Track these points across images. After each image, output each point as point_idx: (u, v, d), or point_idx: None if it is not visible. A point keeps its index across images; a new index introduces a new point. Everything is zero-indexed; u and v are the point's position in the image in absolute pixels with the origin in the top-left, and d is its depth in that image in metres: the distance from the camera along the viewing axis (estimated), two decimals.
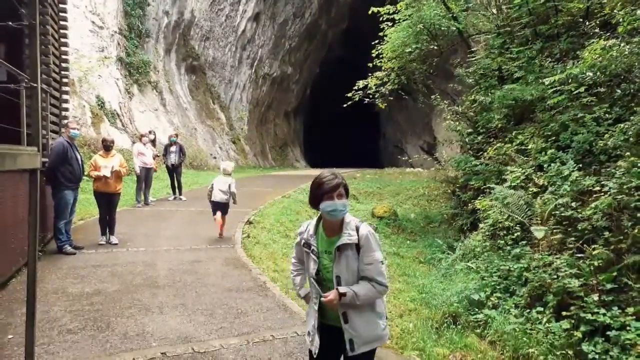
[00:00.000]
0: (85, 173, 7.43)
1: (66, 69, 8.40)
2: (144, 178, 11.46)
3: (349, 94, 12.94)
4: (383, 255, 2.54)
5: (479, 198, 8.13)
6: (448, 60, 19.07)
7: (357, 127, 57.20)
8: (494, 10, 9.81)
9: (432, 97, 11.26)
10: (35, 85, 6.41)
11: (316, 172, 24.97)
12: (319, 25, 40.41)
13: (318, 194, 2.53)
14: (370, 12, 11.99)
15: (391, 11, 11.72)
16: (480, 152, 9.50)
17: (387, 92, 12.26)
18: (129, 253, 7.27)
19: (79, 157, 6.97)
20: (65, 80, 8.52)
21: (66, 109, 8.70)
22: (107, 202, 7.55)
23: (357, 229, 2.52)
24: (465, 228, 9.38)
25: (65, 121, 7.52)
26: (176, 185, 12.79)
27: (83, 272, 6.18)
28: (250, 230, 8.76)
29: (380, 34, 12.78)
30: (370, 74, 12.96)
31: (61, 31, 8.38)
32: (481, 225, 8.17)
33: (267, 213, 10.38)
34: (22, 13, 7.13)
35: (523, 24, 9.07)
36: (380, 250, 2.52)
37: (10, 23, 6.50)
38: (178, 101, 27.35)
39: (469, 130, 9.62)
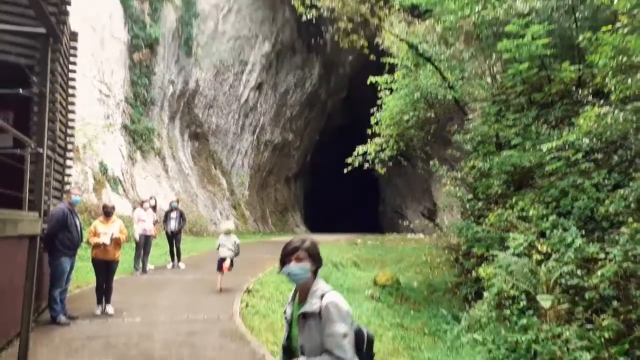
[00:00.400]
0: (85, 240, 7.34)
1: (71, 136, 8.57)
2: (143, 245, 11.34)
3: (349, 160, 13.13)
4: (347, 328, 2.36)
5: (483, 266, 8.00)
6: (445, 127, 19.59)
7: (357, 192, 57.52)
8: (489, 80, 10.18)
9: (431, 163, 11.41)
10: (41, 151, 6.51)
11: (316, 237, 24.82)
12: (319, 94, 41.76)
13: (281, 258, 2.59)
14: (368, 82, 12.44)
15: (389, 81, 12.17)
16: (482, 218, 9.47)
17: (386, 158, 12.45)
18: (125, 323, 7.03)
19: (78, 223, 6.93)
20: (70, 147, 8.66)
21: (69, 175, 8.78)
22: (104, 269, 7.40)
23: (322, 297, 2.43)
24: (469, 297, 9.15)
25: (67, 187, 7.54)
26: (175, 252, 12.60)
27: (76, 345, 5.95)
28: (249, 299, 8.54)
29: (378, 102, 13.19)
30: (369, 140, 13.24)
31: (69, 99, 8.63)
32: (486, 294, 7.97)
33: (266, 281, 10.17)
34: (32, 81, 7.38)
35: (518, 92, 9.38)
36: (344, 322, 2.36)
37: (21, 91, 6.71)
38: (180, 167, 27.69)
39: (469, 196, 9.66)
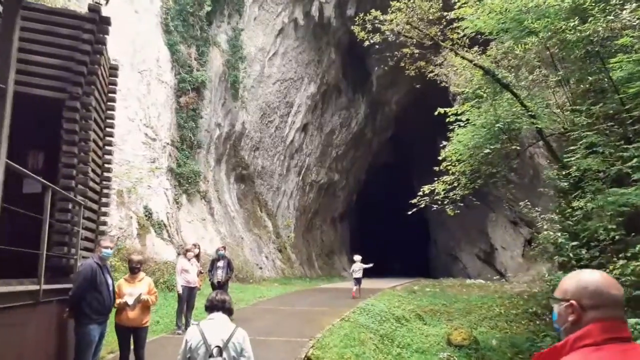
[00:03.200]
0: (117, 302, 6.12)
1: (108, 180, 7.59)
2: (187, 298, 10.14)
3: (414, 200, 11.66)
4: None
5: None
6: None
7: (406, 234, 55.26)
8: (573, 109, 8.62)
9: (521, 204, 9.81)
10: (68, 196, 5.38)
11: (367, 283, 23.14)
12: (365, 133, 40.81)
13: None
14: (437, 113, 11.13)
15: (459, 112, 10.79)
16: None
17: (458, 198, 10.92)
18: None
19: (110, 282, 5.78)
20: (106, 191, 7.67)
21: (104, 224, 7.74)
22: (130, 339, 6.12)
23: None
24: None
25: (100, 238, 6.44)
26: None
27: None
28: None
29: (438, 138, 11.80)
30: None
31: (106, 138, 7.70)
32: None
33: (326, 344, 8.65)
34: (63, 117, 6.45)
35: (636, 117, 7.75)
36: None
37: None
38: (226, 210, 26.91)
39: (575, 243, 7.96)
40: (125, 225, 17.41)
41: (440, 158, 12.01)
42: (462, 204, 11.30)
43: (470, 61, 10.25)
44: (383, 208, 53.36)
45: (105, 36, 6.58)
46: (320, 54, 32.92)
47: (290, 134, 32.74)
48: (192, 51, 23.85)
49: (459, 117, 10.86)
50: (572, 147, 7.88)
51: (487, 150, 9.74)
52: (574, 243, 7.92)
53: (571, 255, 7.88)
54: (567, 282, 1.71)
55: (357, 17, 11.56)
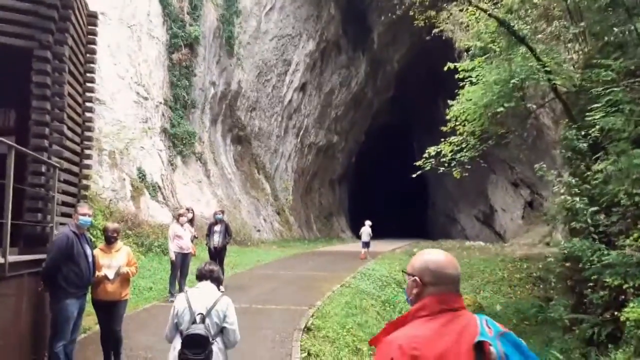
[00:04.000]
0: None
1: (89, 139, 6.94)
2: (180, 265, 9.68)
3: (418, 163, 11.05)
4: None
5: (631, 305, 5.78)
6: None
7: (405, 195, 55.01)
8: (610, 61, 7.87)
9: (536, 166, 9.20)
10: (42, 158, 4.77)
11: (360, 244, 22.79)
12: (365, 93, 39.77)
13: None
14: (446, 68, 10.33)
15: (469, 67, 10.01)
16: (606, 237, 7.23)
17: (466, 160, 10.30)
18: None
19: (89, 252, 5.23)
20: (88, 152, 7.03)
21: (86, 187, 7.14)
22: (109, 314, 5.55)
23: None
24: (599, 339, 6.91)
25: (78, 205, 5.84)
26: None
27: None
28: (310, 343, 6.60)
29: (446, 97, 11.07)
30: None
31: (87, 94, 7.00)
32: (627, 340, 5.77)
33: (327, 313, 8.23)
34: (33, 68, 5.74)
35: None
36: None
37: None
38: (222, 172, 26.33)
39: (594, 208, 7.41)
40: (118, 187, 16.83)
41: (447, 118, 11.33)
42: (469, 167, 10.71)
43: (485, 11, 9.39)
44: (382, 169, 52.91)
45: None
46: (320, 9, 31.51)
47: (288, 94, 31.76)
48: (184, 4, 22.61)
49: (468, 74, 10.10)
50: (595, 105, 7.21)
51: (500, 109, 9.04)
52: (594, 209, 7.37)
53: (589, 221, 7.35)
54: (416, 260, 1.98)
55: None
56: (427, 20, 11.37)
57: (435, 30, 20.77)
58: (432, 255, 1.95)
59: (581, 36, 8.93)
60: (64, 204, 6.00)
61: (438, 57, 37.79)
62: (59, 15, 5.55)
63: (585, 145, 7.98)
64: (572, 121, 9.19)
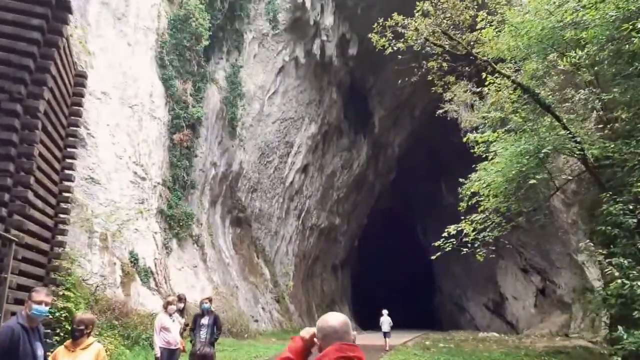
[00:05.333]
0: None
1: (65, 212, 5.93)
2: None
3: (436, 243, 9.96)
4: None
5: None
6: None
7: (410, 282, 52.93)
8: None
9: (581, 245, 8.16)
10: None
11: (371, 337, 21.01)
12: (367, 176, 39.50)
13: None
14: (465, 139, 9.64)
15: (492, 138, 9.25)
16: None
17: (491, 239, 9.25)
18: None
19: (39, 352, 4.01)
20: (63, 227, 6.01)
21: (55, 269, 6.01)
22: None
23: None
24: None
25: (33, 290, 4.67)
26: None
27: None
28: None
29: (465, 178, 10.28)
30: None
31: (67, 161, 6.11)
32: None
33: None
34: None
35: None
36: None
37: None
38: (220, 256, 25.01)
39: None
40: (107, 272, 15.54)
41: (460, 196, 10.50)
42: (494, 248, 9.63)
43: (508, 77, 8.83)
44: (385, 254, 51.37)
45: (64, 25, 5.09)
46: (322, 94, 32.00)
47: (290, 175, 31.29)
48: (188, 87, 22.69)
49: (489, 147, 9.32)
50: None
51: (532, 181, 8.11)
52: None
53: None
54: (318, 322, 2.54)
55: (377, 24, 10.18)
56: (444, 87, 10.85)
57: (440, 111, 20.53)
58: (324, 318, 2.49)
59: (611, 104, 8.31)
60: (20, 287, 4.86)
61: (439, 141, 38.08)
62: (36, 65, 4.78)
63: (634, 221, 6.98)
64: (605, 195, 8.25)
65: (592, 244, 13.18)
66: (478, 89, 18.55)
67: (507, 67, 9.58)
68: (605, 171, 8.54)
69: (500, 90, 9.59)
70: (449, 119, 20.43)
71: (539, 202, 9.72)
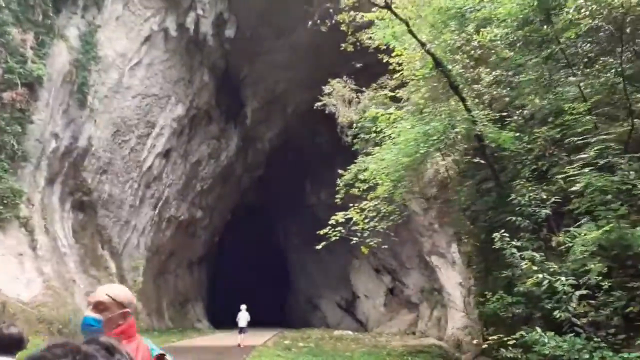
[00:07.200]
0: None
1: None
2: None
3: (322, 232, 8.85)
4: None
5: None
6: None
7: (266, 280, 52.10)
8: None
9: (496, 235, 7.55)
10: None
11: (224, 337, 19.54)
12: (235, 169, 37.58)
13: None
14: (370, 116, 8.68)
15: (391, 118, 8.43)
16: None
17: (384, 228, 8.43)
18: None
19: None
20: None
21: None
22: None
23: None
24: None
25: None
26: None
27: None
28: None
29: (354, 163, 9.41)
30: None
31: None
32: None
33: None
34: None
35: None
36: None
37: None
38: (55, 244, 21.18)
39: (582, 292, 5.69)
40: None
41: (337, 189, 9.74)
42: (394, 236, 8.82)
43: (423, 45, 8.05)
44: (246, 252, 49.92)
45: None
46: (192, 74, 29.40)
47: (149, 159, 28.07)
48: (28, 38, 18.75)
49: (390, 127, 8.51)
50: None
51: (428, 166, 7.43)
52: (582, 292, 5.66)
53: (572, 307, 5.61)
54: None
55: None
56: (355, 43, 9.80)
57: (319, 104, 19.78)
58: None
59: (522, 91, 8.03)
60: None
61: (307, 142, 37.89)
62: None
63: (547, 211, 6.59)
64: (500, 187, 7.91)
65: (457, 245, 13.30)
66: (361, 88, 18.14)
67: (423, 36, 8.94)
68: (503, 162, 8.33)
69: (410, 62, 8.90)
70: (327, 112, 19.82)
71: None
